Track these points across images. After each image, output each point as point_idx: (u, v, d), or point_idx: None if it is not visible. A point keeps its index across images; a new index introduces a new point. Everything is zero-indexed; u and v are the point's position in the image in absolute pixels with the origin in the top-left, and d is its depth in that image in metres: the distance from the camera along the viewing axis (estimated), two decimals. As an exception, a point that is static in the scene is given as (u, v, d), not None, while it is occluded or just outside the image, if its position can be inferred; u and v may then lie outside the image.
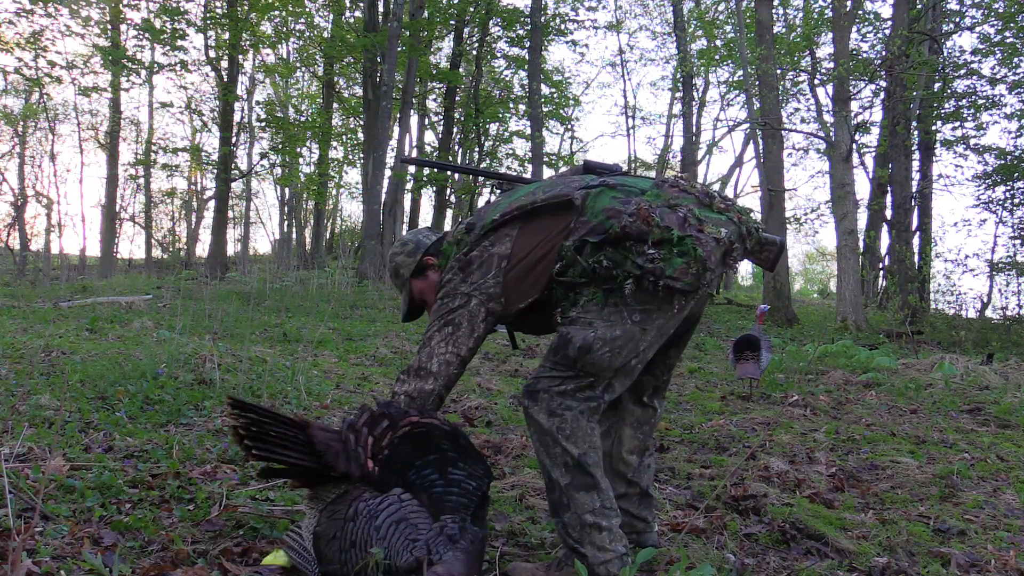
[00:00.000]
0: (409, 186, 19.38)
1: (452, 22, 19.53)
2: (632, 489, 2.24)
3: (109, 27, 17.19)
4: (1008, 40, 13.88)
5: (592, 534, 1.93)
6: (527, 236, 2.10)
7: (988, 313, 15.01)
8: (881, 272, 17.94)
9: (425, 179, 20.28)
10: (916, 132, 15.36)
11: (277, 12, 17.45)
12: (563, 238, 2.02)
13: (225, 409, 1.99)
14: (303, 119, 21.93)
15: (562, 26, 20.17)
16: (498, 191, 2.45)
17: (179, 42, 16.56)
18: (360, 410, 2.05)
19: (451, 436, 2.00)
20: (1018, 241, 15.43)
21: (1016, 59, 14.20)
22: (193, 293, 9.88)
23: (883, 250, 17.50)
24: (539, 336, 2.84)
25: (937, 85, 15.29)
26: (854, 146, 13.23)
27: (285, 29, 19.02)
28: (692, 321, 2.18)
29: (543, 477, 2.03)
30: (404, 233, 2.42)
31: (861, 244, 14.22)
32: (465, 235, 2.22)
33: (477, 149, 22.86)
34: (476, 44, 20.75)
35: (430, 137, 25.59)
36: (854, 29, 15.37)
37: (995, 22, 14.01)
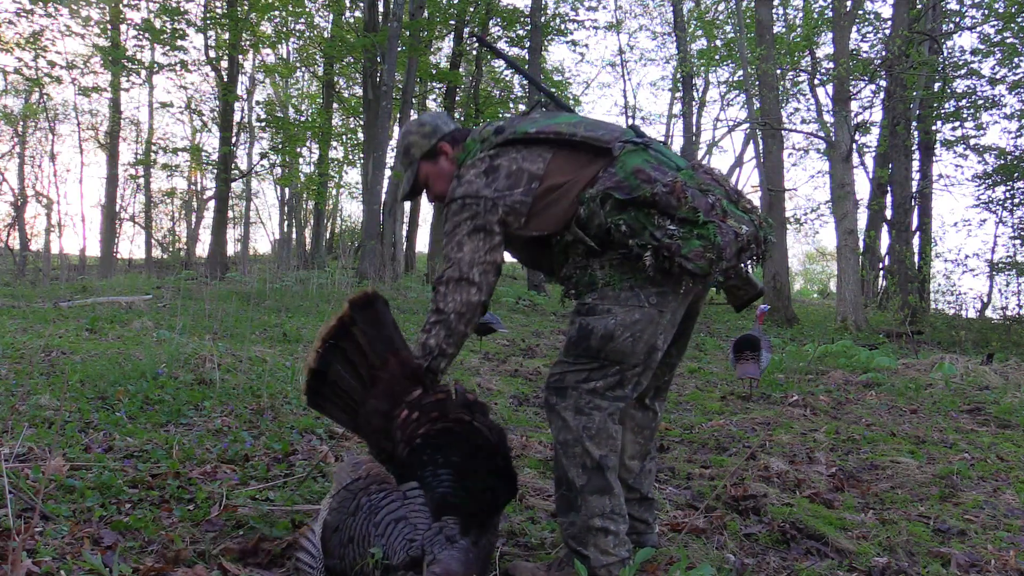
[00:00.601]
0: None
1: (452, 22, 19.52)
2: (632, 494, 2.23)
3: (109, 27, 17.18)
4: (1008, 40, 13.88)
5: (598, 537, 1.93)
6: (559, 165, 2.04)
7: (988, 313, 15.03)
8: (881, 272, 17.94)
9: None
10: (916, 132, 15.36)
11: (277, 12, 17.44)
12: (589, 185, 1.98)
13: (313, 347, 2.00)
14: (303, 119, 21.92)
15: (562, 26, 20.17)
16: (543, 109, 2.38)
17: (179, 42, 16.55)
18: (434, 388, 1.99)
19: (489, 450, 1.92)
20: (1018, 241, 15.43)
21: (1016, 59, 14.20)
22: (193, 293, 9.88)
23: (883, 250, 17.51)
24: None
25: (937, 85, 15.29)
26: (854, 146, 13.23)
27: (285, 29, 19.01)
28: (692, 316, 2.18)
29: (555, 473, 2.01)
30: (422, 115, 2.31)
31: (861, 244, 14.23)
32: (493, 136, 2.12)
33: (477, 149, 22.79)
34: (476, 44, 20.74)
35: (430, 137, 25.51)
36: (854, 29, 15.37)
37: (995, 22, 14.00)
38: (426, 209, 27.46)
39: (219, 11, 18.01)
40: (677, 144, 26.36)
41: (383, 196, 15.24)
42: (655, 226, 1.89)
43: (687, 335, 2.23)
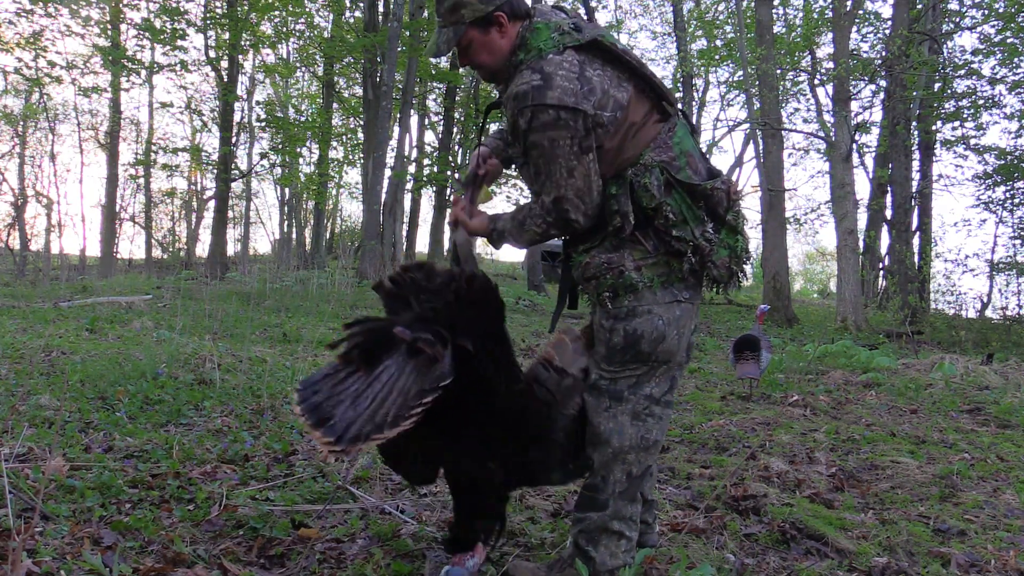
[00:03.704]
0: (409, 186, 19.38)
1: (452, 22, 19.48)
2: None
3: (109, 27, 17.17)
4: (1008, 40, 13.88)
5: (611, 540, 1.92)
6: (636, 105, 1.86)
7: (988, 313, 15.01)
8: (881, 272, 17.94)
9: (425, 179, 20.24)
10: (916, 132, 15.36)
11: (277, 12, 17.43)
12: (647, 146, 1.84)
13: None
14: (303, 119, 21.91)
15: (562, 26, 20.12)
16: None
17: (179, 42, 16.55)
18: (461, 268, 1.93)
19: (485, 308, 1.79)
20: (1018, 241, 15.43)
21: (1016, 59, 14.19)
22: (193, 293, 9.88)
23: (883, 250, 17.51)
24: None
25: (937, 85, 15.28)
26: (854, 146, 13.23)
27: (285, 29, 19.00)
28: None
29: (593, 473, 1.94)
30: None
31: (861, 244, 14.22)
32: (573, 31, 1.85)
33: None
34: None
35: (430, 137, 25.61)
36: (854, 29, 15.37)
37: (995, 22, 14.01)
38: (426, 209, 27.49)
39: (219, 11, 18.00)
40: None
41: (383, 196, 15.23)
42: (698, 221, 1.82)
43: None
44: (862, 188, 22.31)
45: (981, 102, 15.37)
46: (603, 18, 32.16)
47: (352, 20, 19.23)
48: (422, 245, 25.89)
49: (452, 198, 2.00)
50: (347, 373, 1.64)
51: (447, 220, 2.35)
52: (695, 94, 24.57)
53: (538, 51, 1.83)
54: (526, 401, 1.88)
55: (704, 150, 2.07)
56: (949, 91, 15.52)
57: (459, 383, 1.64)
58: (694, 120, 25.53)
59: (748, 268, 2.02)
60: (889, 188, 15.66)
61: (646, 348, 1.86)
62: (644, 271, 1.84)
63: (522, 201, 2.13)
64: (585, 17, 2.09)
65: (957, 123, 16.23)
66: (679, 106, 1.99)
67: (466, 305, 1.74)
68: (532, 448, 1.92)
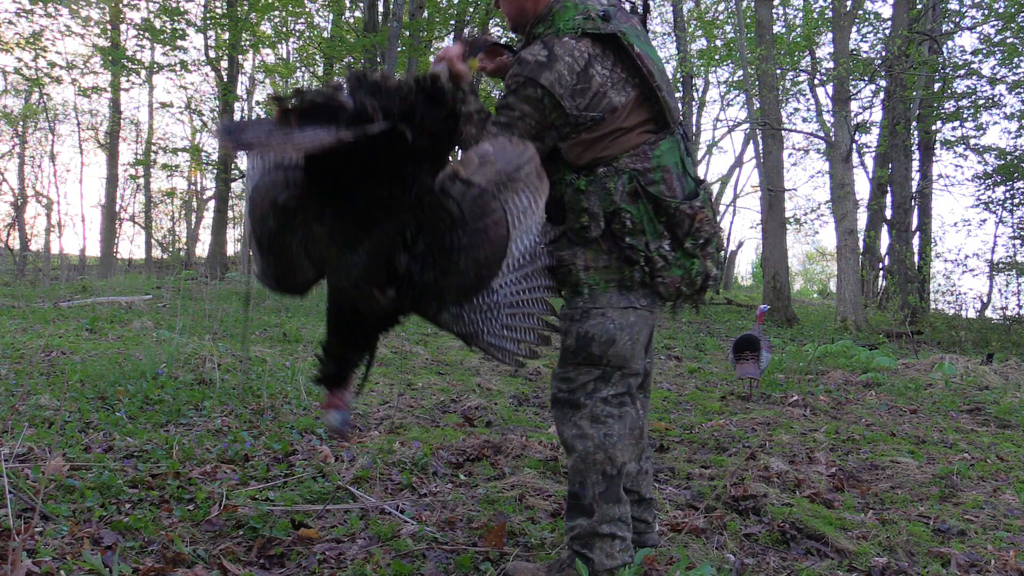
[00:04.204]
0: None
1: (452, 22, 19.51)
2: (631, 496, 2.21)
3: (109, 27, 17.17)
4: (1008, 40, 13.88)
5: (605, 542, 1.91)
6: (633, 110, 1.87)
7: (988, 313, 15.03)
8: (881, 272, 17.94)
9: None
10: (916, 132, 15.36)
11: (277, 12, 17.43)
12: (626, 151, 1.85)
13: None
14: (303, 119, 21.85)
15: (562, 26, 20.14)
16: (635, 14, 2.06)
17: (179, 42, 16.54)
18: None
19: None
20: (1018, 241, 15.44)
21: (1016, 59, 14.20)
22: (193, 293, 9.88)
23: (883, 250, 17.50)
24: None
25: (937, 85, 15.28)
26: (854, 146, 13.23)
27: (285, 29, 19.00)
28: None
29: (571, 481, 1.96)
30: None
31: (861, 244, 14.23)
32: (598, 20, 1.85)
33: (477, 149, 22.82)
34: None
35: (430, 137, 25.53)
36: (854, 29, 15.37)
37: (995, 22, 14.01)
38: (426, 209, 27.44)
39: (219, 11, 18.00)
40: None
41: (383, 196, 15.23)
42: (656, 235, 1.85)
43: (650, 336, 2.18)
44: (862, 188, 22.28)
45: (981, 102, 15.38)
46: (603, 18, 32.13)
47: (352, 20, 19.22)
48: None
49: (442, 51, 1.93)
50: (278, 125, 1.48)
51: (433, 57, 2.18)
52: (695, 94, 24.59)
53: (557, 30, 1.86)
54: (438, 213, 1.62)
55: (696, 166, 2.06)
56: (949, 91, 15.53)
57: (380, 172, 1.55)
58: (694, 120, 25.59)
59: (704, 294, 1.98)
60: (889, 188, 15.65)
61: (596, 351, 1.88)
62: (592, 272, 1.88)
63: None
64: (630, 7, 2.04)
65: (957, 123, 16.24)
66: (681, 126, 1.98)
67: (421, 100, 1.59)
68: (431, 270, 1.64)
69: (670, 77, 2.10)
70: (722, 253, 2.06)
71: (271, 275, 1.74)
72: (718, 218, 2.05)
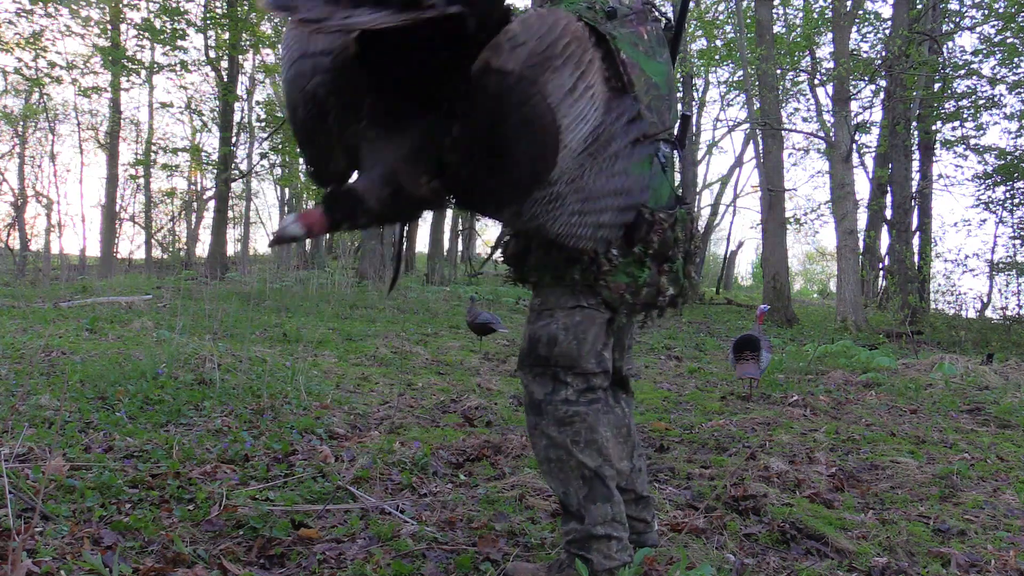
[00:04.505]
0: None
1: (452, 22, 19.51)
2: (627, 495, 2.19)
3: (109, 27, 17.17)
4: (1008, 40, 13.89)
5: (601, 543, 1.90)
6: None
7: (988, 313, 15.03)
8: (881, 272, 17.95)
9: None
10: (916, 132, 15.37)
11: (277, 12, 17.42)
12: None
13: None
14: (303, 119, 21.84)
15: (562, 26, 20.10)
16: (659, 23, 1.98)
17: (179, 42, 16.55)
18: None
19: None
20: (1018, 241, 15.44)
21: (1016, 59, 14.21)
22: (193, 293, 9.88)
23: (883, 250, 17.51)
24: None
25: (937, 85, 15.29)
26: (854, 146, 13.24)
27: (285, 29, 18.99)
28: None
29: (556, 492, 1.95)
30: None
31: (861, 244, 14.23)
32: (600, 14, 1.80)
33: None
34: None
35: (430, 137, 25.49)
36: (854, 29, 15.38)
37: (995, 22, 14.01)
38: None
39: (219, 11, 18.00)
40: (677, 144, 26.23)
41: (383, 196, 15.21)
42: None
43: (622, 336, 2.14)
44: (862, 188, 22.28)
45: (981, 102, 15.40)
46: (603, 18, 32.14)
47: (352, 20, 19.22)
48: (422, 245, 25.91)
49: None
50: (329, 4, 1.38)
51: None
52: (695, 94, 24.58)
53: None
54: (477, 112, 1.47)
55: (695, 168, 2.04)
56: (949, 91, 15.54)
57: (427, 62, 1.46)
58: (694, 120, 25.56)
59: (660, 311, 1.95)
60: (889, 188, 15.66)
61: (543, 352, 1.88)
62: (540, 253, 1.87)
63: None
64: (664, 23, 1.99)
65: (957, 123, 16.26)
66: (670, 143, 1.97)
67: None
68: (479, 168, 1.52)
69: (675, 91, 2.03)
70: (692, 279, 2.00)
71: (309, 165, 1.73)
72: (695, 243, 1.99)
